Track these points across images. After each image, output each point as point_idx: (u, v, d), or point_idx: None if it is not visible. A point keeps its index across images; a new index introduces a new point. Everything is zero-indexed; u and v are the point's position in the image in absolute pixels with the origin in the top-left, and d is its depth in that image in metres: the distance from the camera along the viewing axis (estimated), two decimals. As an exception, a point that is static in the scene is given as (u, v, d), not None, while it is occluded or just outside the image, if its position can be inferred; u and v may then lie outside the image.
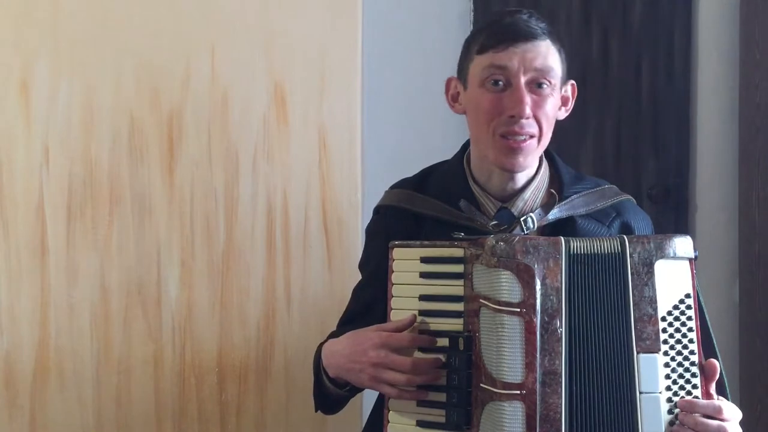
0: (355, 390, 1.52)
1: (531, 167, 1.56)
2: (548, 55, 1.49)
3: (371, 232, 1.70)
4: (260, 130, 2.11)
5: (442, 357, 1.36)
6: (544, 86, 1.49)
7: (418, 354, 1.38)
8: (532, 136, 1.49)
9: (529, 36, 1.48)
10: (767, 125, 2.62)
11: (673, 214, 2.81)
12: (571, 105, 1.60)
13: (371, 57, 2.34)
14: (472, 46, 1.54)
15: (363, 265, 1.71)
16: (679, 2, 2.81)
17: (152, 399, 2.07)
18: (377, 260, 1.54)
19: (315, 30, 2.13)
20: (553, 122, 1.54)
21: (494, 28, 1.51)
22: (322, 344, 1.60)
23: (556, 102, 1.53)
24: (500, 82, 1.48)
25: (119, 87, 2.03)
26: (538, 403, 1.26)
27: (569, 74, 1.57)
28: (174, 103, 2.07)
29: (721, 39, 2.81)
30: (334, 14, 2.14)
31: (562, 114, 1.58)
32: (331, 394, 1.55)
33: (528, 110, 1.47)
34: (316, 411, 1.63)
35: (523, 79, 1.47)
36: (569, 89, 1.59)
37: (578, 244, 1.32)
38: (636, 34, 2.82)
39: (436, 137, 2.49)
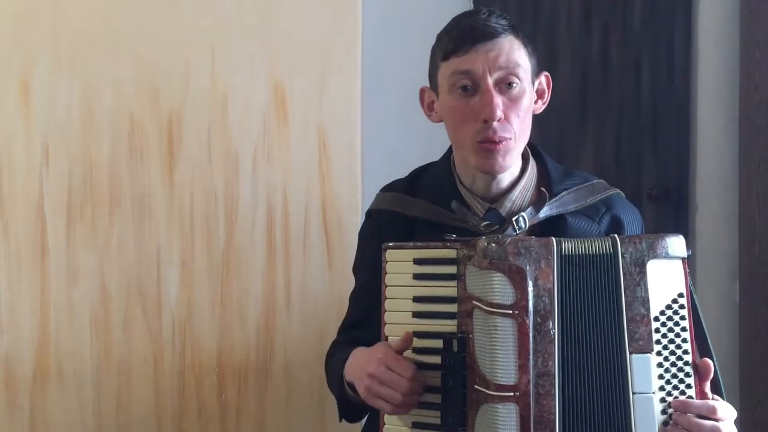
0: None
1: (513, 167, 1.54)
2: (512, 50, 1.47)
3: (364, 236, 1.70)
4: (260, 130, 2.11)
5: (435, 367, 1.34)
6: (515, 85, 1.47)
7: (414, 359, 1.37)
8: (508, 139, 1.47)
9: (489, 35, 1.46)
10: (767, 125, 2.61)
11: (673, 214, 2.81)
12: (547, 97, 1.58)
13: (371, 57, 2.34)
14: (436, 54, 1.53)
15: (357, 270, 1.70)
16: (679, 2, 2.81)
17: (152, 399, 2.07)
18: (371, 264, 1.52)
19: (315, 30, 2.13)
20: (529, 119, 1.52)
21: (453, 33, 1.49)
22: (328, 354, 1.61)
23: (530, 98, 1.51)
24: (468, 87, 1.47)
25: (119, 87, 2.04)
26: (531, 404, 1.25)
27: (554, 68, 1.55)
28: (174, 103, 2.07)
29: (721, 39, 2.80)
30: (334, 14, 2.14)
31: (540, 107, 1.57)
32: (351, 400, 1.51)
33: (499, 112, 1.45)
34: (340, 420, 1.61)
35: (490, 80, 1.45)
36: (543, 81, 1.57)
37: (570, 245, 1.32)
38: (636, 34, 2.82)
39: (436, 137, 2.48)
